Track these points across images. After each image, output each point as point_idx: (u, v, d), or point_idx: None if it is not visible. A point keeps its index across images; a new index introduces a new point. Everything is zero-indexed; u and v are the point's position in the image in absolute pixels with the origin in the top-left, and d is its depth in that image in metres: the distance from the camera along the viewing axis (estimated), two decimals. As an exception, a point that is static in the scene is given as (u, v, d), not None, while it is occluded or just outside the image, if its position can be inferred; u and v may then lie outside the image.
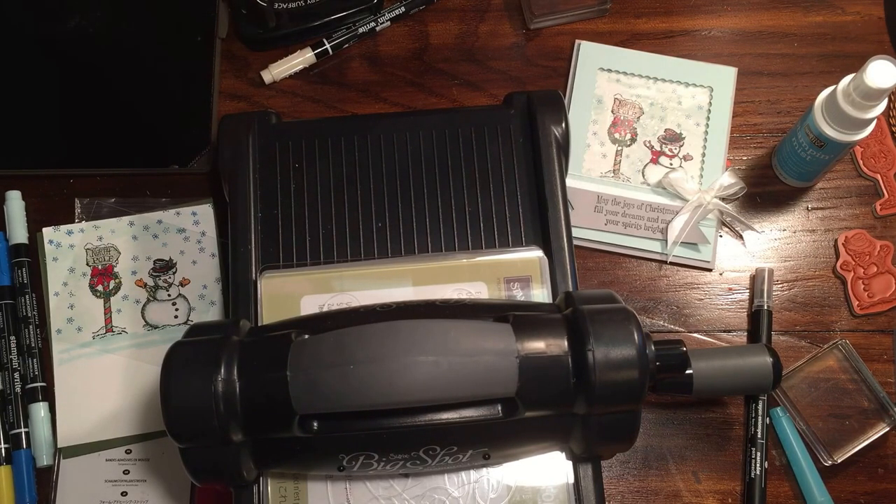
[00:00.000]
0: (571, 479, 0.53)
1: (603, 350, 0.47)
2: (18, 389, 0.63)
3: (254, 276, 0.58)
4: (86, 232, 0.67)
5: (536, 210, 0.59)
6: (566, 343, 0.48)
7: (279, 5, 0.71)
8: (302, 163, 0.61)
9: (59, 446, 0.63)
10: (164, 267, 0.66)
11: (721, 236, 0.68)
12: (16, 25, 0.71)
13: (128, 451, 0.63)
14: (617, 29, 0.73)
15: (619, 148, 0.69)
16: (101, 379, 0.64)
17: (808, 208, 0.69)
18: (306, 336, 0.49)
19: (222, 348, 0.49)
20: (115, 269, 0.66)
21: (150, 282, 0.66)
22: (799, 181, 0.68)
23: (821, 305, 0.66)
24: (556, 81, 0.71)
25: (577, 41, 0.72)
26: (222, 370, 0.47)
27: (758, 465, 0.61)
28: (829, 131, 0.61)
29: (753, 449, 0.62)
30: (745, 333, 0.66)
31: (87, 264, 0.66)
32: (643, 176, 0.68)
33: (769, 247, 0.68)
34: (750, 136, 0.70)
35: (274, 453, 0.51)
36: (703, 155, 0.69)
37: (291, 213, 0.60)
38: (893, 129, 0.70)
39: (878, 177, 0.69)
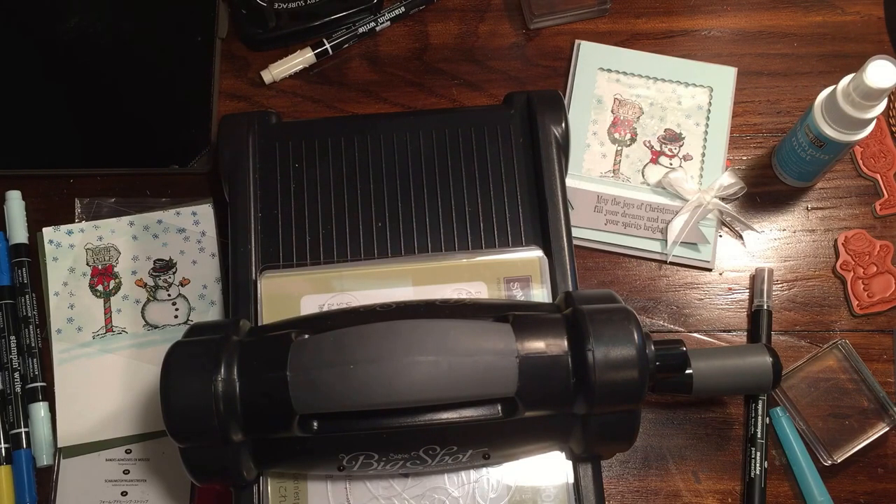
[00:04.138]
0: (571, 479, 0.53)
1: (603, 350, 0.47)
2: (18, 389, 0.63)
3: (254, 276, 0.58)
4: (86, 232, 0.67)
5: (536, 210, 0.59)
6: (566, 343, 0.48)
7: (279, 5, 0.71)
8: (302, 163, 0.61)
9: (59, 446, 0.63)
10: (164, 267, 0.66)
11: (721, 236, 0.68)
12: (16, 25, 0.71)
13: (128, 451, 0.63)
14: (617, 29, 0.73)
15: (619, 148, 0.69)
16: (101, 379, 0.64)
17: (807, 208, 0.69)
18: (306, 336, 0.49)
19: (222, 348, 0.49)
20: (115, 269, 0.66)
21: (150, 282, 0.66)
22: (799, 181, 0.68)
23: (820, 305, 0.66)
24: (556, 81, 0.71)
25: (577, 41, 0.72)
26: (222, 370, 0.48)
27: (757, 464, 0.61)
28: (829, 131, 0.61)
29: (753, 449, 0.62)
30: (745, 333, 0.66)
31: (87, 264, 0.66)
32: (643, 176, 0.68)
33: (769, 247, 0.68)
34: (750, 136, 0.70)
35: (274, 453, 0.51)
36: (703, 155, 0.69)
37: (291, 213, 0.60)
38: (893, 129, 0.70)
39: (878, 177, 0.69)
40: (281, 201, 0.60)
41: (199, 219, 0.67)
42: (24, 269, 0.66)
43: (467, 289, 0.57)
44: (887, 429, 0.62)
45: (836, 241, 0.67)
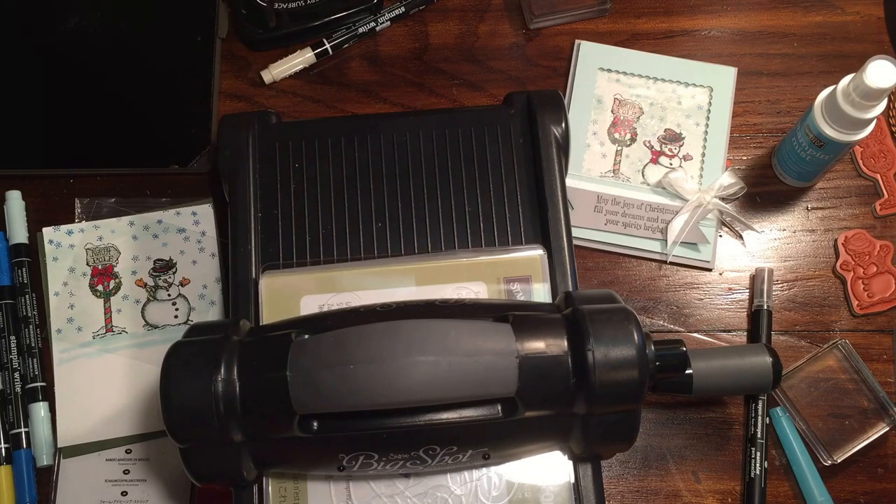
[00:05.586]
0: (572, 479, 0.53)
1: (603, 350, 0.47)
2: (18, 389, 0.63)
3: (254, 275, 0.58)
4: (86, 232, 0.67)
5: (536, 210, 0.59)
6: (566, 343, 0.48)
7: (279, 5, 0.71)
8: (302, 163, 0.61)
9: (59, 446, 0.63)
10: (164, 267, 0.66)
11: (721, 236, 0.68)
12: (16, 25, 0.71)
13: (128, 451, 0.63)
14: (617, 29, 0.73)
15: (619, 148, 0.69)
16: (101, 379, 0.64)
17: (807, 208, 0.69)
18: (306, 336, 0.49)
19: (222, 348, 0.49)
20: (115, 269, 0.66)
21: (150, 282, 0.66)
22: (799, 181, 0.68)
23: (820, 305, 0.66)
24: (556, 81, 0.71)
25: (577, 41, 0.72)
26: (222, 370, 0.48)
27: (757, 464, 0.61)
28: (829, 131, 0.61)
29: (753, 449, 0.62)
30: (745, 333, 0.66)
31: (87, 264, 0.66)
32: (643, 176, 0.68)
33: (769, 247, 0.68)
34: (750, 136, 0.70)
35: (274, 453, 0.51)
36: (703, 155, 0.69)
37: (291, 213, 0.60)
38: (893, 129, 0.70)
39: (878, 177, 0.69)
40: (281, 201, 0.60)
41: (199, 219, 0.67)
42: (24, 269, 0.66)
43: (467, 288, 0.57)
44: (887, 429, 0.62)
45: (836, 241, 0.67)
